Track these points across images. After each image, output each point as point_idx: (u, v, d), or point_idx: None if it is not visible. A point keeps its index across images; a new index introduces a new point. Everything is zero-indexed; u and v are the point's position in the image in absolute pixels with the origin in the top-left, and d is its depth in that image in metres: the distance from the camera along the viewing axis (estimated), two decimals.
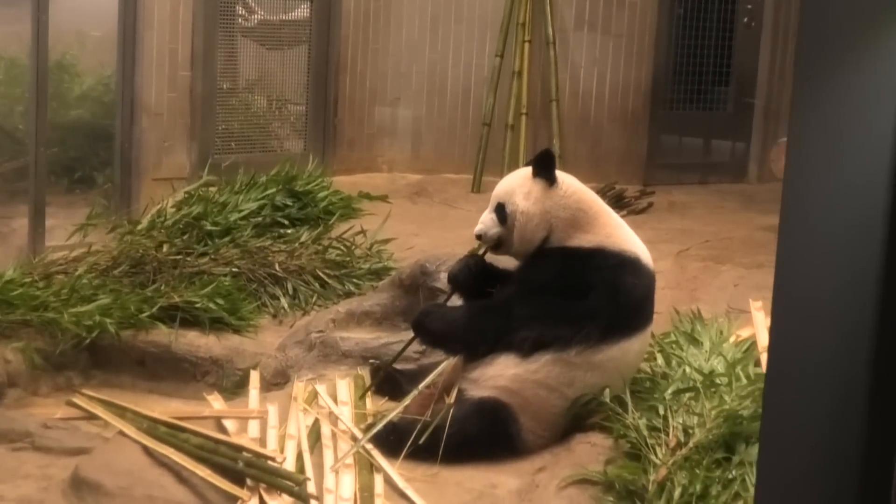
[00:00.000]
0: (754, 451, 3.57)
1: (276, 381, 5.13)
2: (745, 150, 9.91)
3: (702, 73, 9.58)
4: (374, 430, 3.82)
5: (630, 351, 3.98)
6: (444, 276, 5.42)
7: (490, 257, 4.26)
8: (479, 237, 4.21)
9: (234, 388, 5.26)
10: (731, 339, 4.60)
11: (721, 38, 9.59)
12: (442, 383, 4.07)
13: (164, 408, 4.60)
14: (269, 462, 3.60)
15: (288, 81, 8.52)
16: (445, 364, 4.10)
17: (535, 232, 4.02)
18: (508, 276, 4.17)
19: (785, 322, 1.67)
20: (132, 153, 7.35)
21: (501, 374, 3.92)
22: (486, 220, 4.15)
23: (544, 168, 4.04)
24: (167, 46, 7.51)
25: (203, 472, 3.54)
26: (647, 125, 9.24)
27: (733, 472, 3.48)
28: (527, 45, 8.49)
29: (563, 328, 3.88)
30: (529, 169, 4.10)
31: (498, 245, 4.16)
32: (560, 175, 4.07)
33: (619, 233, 4.06)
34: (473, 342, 3.98)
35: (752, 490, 3.40)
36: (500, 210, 4.09)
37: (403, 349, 4.43)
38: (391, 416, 3.89)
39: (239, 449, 3.71)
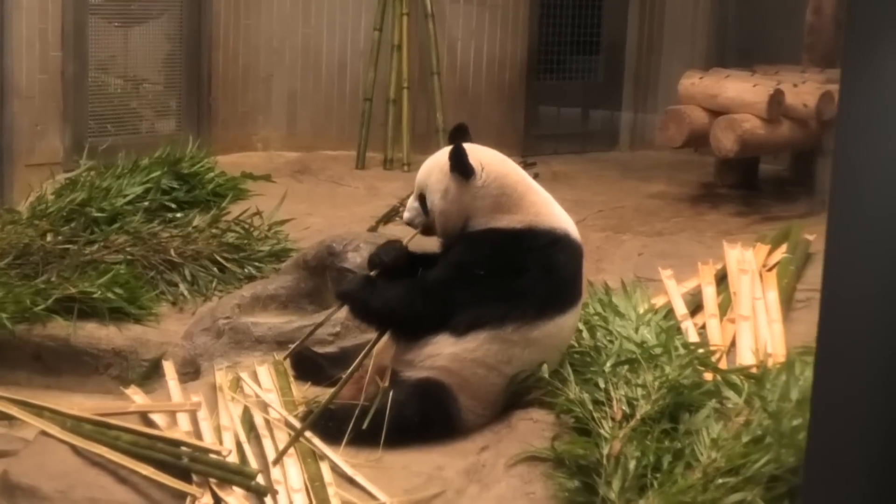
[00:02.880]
0: (698, 419, 3.60)
1: (186, 371, 4.96)
2: (617, 119, 10.02)
3: (573, 42, 9.65)
4: (313, 417, 3.72)
5: (565, 326, 3.95)
6: (352, 257, 5.36)
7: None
8: (409, 224, 4.14)
9: (141, 379, 5.09)
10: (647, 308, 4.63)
11: (591, 6, 9.65)
12: (372, 366, 3.99)
13: (67, 402, 4.39)
14: (214, 456, 3.47)
15: (161, 60, 8.28)
16: (373, 346, 4.01)
17: (455, 225, 3.97)
18: (431, 260, 4.10)
19: (834, 313, 1.65)
20: (3, 139, 7.06)
21: (438, 354, 3.86)
22: (412, 209, 4.10)
23: (457, 164, 3.93)
24: (36, 26, 7.25)
25: (146, 470, 3.40)
26: (524, 96, 9.27)
27: (682, 442, 3.49)
28: (405, 17, 8.42)
29: (498, 308, 3.84)
30: (446, 156, 3.99)
31: (426, 231, 4.10)
32: (479, 161, 3.96)
33: (548, 210, 4.02)
34: (409, 322, 3.91)
35: (702, 459, 3.42)
36: (423, 201, 4.03)
37: (326, 319, 4.34)
38: (326, 402, 3.79)
39: (177, 444, 3.57)
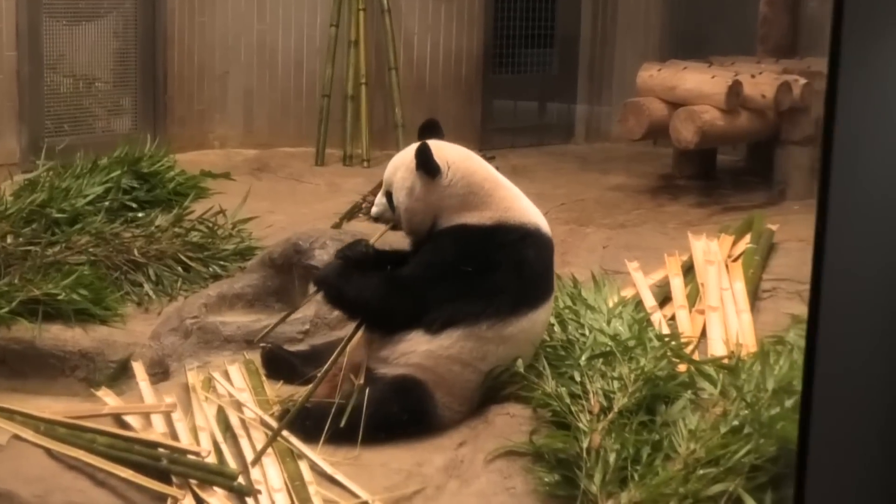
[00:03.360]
0: (674, 410, 3.63)
1: (155, 372, 4.93)
2: (572, 112, 10.05)
3: (527, 36, 9.68)
4: (290, 416, 3.71)
5: (538, 321, 3.96)
6: (319, 254, 5.34)
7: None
8: (376, 219, 4.13)
9: (109, 381, 5.05)
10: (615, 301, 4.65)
11: (545, 0, 9.68)
12: (346, 363, 3.98)
13: (37, 406, 4.37)
14: (192, 457, 3.46)
15: (116, 58, 8.22)
16: (347, 343, 3.99)
17: (422, 223, 3.97)
18: (401, 258, 4.10)
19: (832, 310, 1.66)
20: None
21: (413, 351, 3.85)
22: (380, 205, 4.09)
23: (422, 163, 3.91)
24: None
25: (124, 472, 3.37)
26: (481, 90, 9.29)
27: (660, 434, 3.51)
28: (362, 13, 8.41)
29: (472, 305, 3.84)
30: (412, 154, 3.97)
31: (395, 227, 4.10)
32: (447, 159, 3.95)
33: (518, 205, 4.02)
34: (383, 315, 3.90)
35: (680, 450, 3.44)
36: (389, 197, 4.03)
37: (288, 314, 4.34)
38: (302, 400, 3.78)
39: (154, 445, 3.55)
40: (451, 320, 3.83)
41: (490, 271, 3.86)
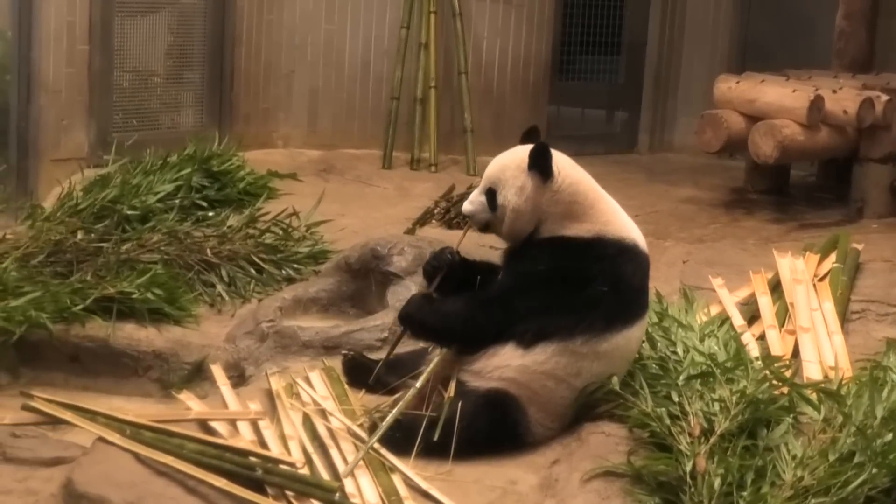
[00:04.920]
0: (776, 435, 3.54)
1: (230, 375, 4.85)
2: (636, 120, 9.94)
3: (594, 43, 9.59)
4: (384, 430, 3.63)
5: (633, 338, 3.88)
6: (397, 261, 5.28)
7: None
8: (467, 217, 4.04)
9: (183, 383, 4.99)
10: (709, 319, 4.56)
11: (612, 6, 9.59)
12: (435, 376, 3.90)
13: (108, 405, 4.31)
14: (286, 467, 3.39)
15: (185, 55, 8.19)
16: (439, 357, 3.92)
17: (526, 226, 3.88)
18: (489, 269, 4.02)
19: None
20: (29, 133, 6.94)
21: (507, 366, 3.77)
22: (476, 203, 3.97)
23: (540, 163, 3.83)
24: (64, 19, 7.13)
25: (218, 481, 3.31)
26: (548, 96, 9.21)
27: (763, 459, 3.41)
28: (433, 16, 8.34)
29: (566, 319, 3.75)
30: (524, 154, 3.89)
31: (486, 227, 4.01)
32: (556, 165, 3.87)
33: (617, 219, 3.95)
34: (472, 337, 3.82)
35: (785, 476, 3.35)
36: (491, 196, 3.92)
37: (395, 345, 4.23)
38: (395, 413, 3.70)
39: (246, 454, 3.48)
40: (545, 334, 3.75)
41: (585, 285, 3.78)
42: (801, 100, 6.98)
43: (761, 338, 4.61)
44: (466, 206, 4.00)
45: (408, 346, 4.58)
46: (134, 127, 7.69)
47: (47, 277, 5.43)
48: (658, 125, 9.92)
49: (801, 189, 7.99)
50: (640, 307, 3.92)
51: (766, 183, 7.83)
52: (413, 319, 3.92)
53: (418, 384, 3.77)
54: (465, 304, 3.88)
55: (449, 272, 4.00)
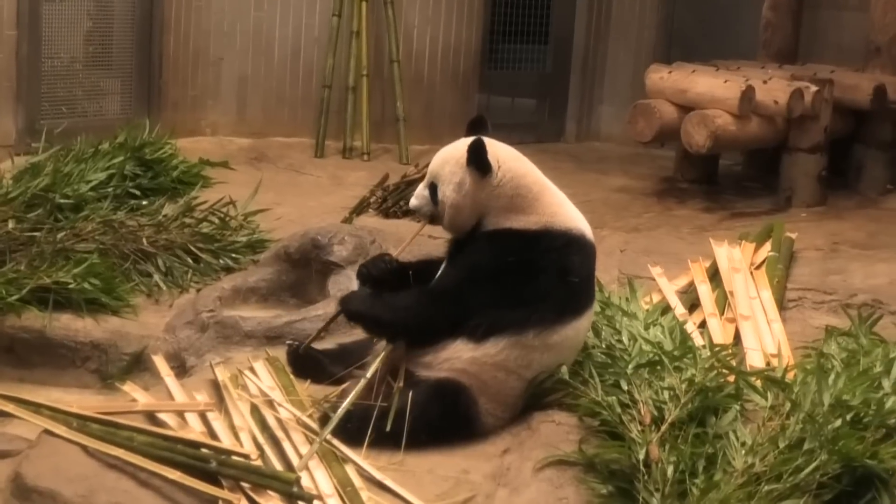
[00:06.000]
0: (724, 422, 3.58)
1: (171, 366, 4.79)
2: (563, 110, 10.00)
3: (523, 32, 9.63)
4: (336, 420, 3.61)
5: (581, 329, 3.89)
6: (338, 250, 5.26)
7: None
8: (416, 211, 4.04)
9: (122, 374, 4.95)
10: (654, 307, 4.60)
11: None
12: (384, 365, 3.89)
13: (46, 396, 4.25)
14: (240, 459, 3.36)
15: (113, 42, 8.08)
16: (387, 348, 3.90)
17: (468, 220, 3.86)
18: (427, 268, 4.02)
19: None
20: None
21: (458, 357, 3.75)
22: (420, 197, 3.96)
23: (475, 159, 3.80)
24: None
25: (172, 474, 3.27)
26: (477, 85, 9.23)
27: (714, 447, 3.45)
28: (364, 4, 8.33)
29: (517, 312, 3.75)
30: (464, 148, 3.85)
31: (432, 220, 4.00)
32: (498, 158, 3.85)
33: (564, 210, 3.94)
34: (424, 330, 3.80)
35: (735, 463, 3.39)
36: (433, 190, 3.92)
37: (324, 328, 4.25)
38: (348, 404, 3.68)
39: (197, 445, 3.45)
40: (496, 328, 3.74)
41: (534, 277, 3.78)
42: (733, 90, 7.07)
43: (702, 326, 4.66)
44: (413, 201, 4.00)
45: (352, 335, 4.59)
46: (63, 114, 7.58)
47: None
48: (585, 114, 9.99)
49: (729, 178, 8.10)
50: (588, 298, 3.92)
51: (695, 172, 7.92)
52: (363, 316, 3.88)
53: (368, 374, 3.75)
54: (414, 298, 3.86)
55: (383, 279, 3.99)
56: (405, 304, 3.85)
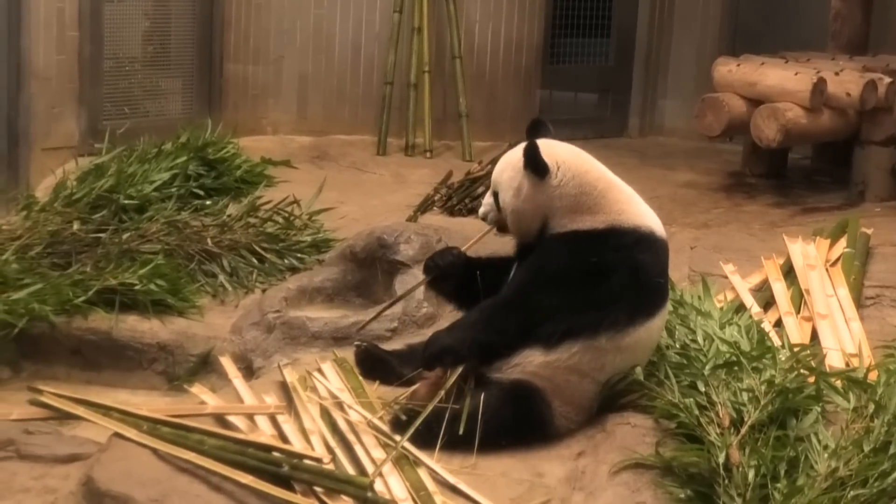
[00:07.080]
0: (805, 425, 3.48)
1: (238, 368, 4.78)
2: (626, 104, 9.88)
3: (585, 26, 9.54)
4: (413, 428, 3.53)
5: (654, 329, 3.81)
6: (404, 249, 5.21)
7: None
8: (482, 219, 3.99)
9: (189, 376, 4.92)
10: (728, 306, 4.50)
11: None
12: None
13: (114, 398, 4.28)
14: (312, 463, 3.32)
15: (174, 41, 8.08)
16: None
17: (531, 226, 3.80)
18: (497, 264, 3.95)
19: None
20: (20, 121, 6.81)
21: (529, 362, 3.69)
22: (487, 205, 3.93)
23: (531, 161, 3.74)
24: (54, 5, 7.03)
25: (245, 478, 3.23)
26: (539, 80, 9.15)
27: (795, 450, 3.36)
28: (425, 0, 8.25)
29: (588, 316, 3.67)
30: (521, 152, 3.78)
31: (502, 228, 3.94)
32: (557, 158, 3.77)
33: (631, 207, 3.85)
34: (496, 342, 3.73)
35: (818, 467, 3.30)
36: (497, 197, 3.87)
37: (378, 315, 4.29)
38: (426, 413, 3.59)
39: (269, 449, 3.41)
40: (569, 333, 3.67)
41: (604, 278, 3.69)
42: (804, 83, 6.93)
43: (778, 325, 4.56)
44: (481, 210, 3.99)
45: (421, 335, 4.54)
46: (125, 114, 7.59)
47: (46, 269, 5.35)
48: (648, 109, 9.87)
49: (798, 172, 7.96)
50: (660, 297, 3.84)
51: (764, 167, 7.79)
52: (432, 355, 3.78)
53: (448, 383, 3.68)
54: (481, 311, 3.79)
55: (450, 272, 3.95)
56: (470, 321, 3.80)
